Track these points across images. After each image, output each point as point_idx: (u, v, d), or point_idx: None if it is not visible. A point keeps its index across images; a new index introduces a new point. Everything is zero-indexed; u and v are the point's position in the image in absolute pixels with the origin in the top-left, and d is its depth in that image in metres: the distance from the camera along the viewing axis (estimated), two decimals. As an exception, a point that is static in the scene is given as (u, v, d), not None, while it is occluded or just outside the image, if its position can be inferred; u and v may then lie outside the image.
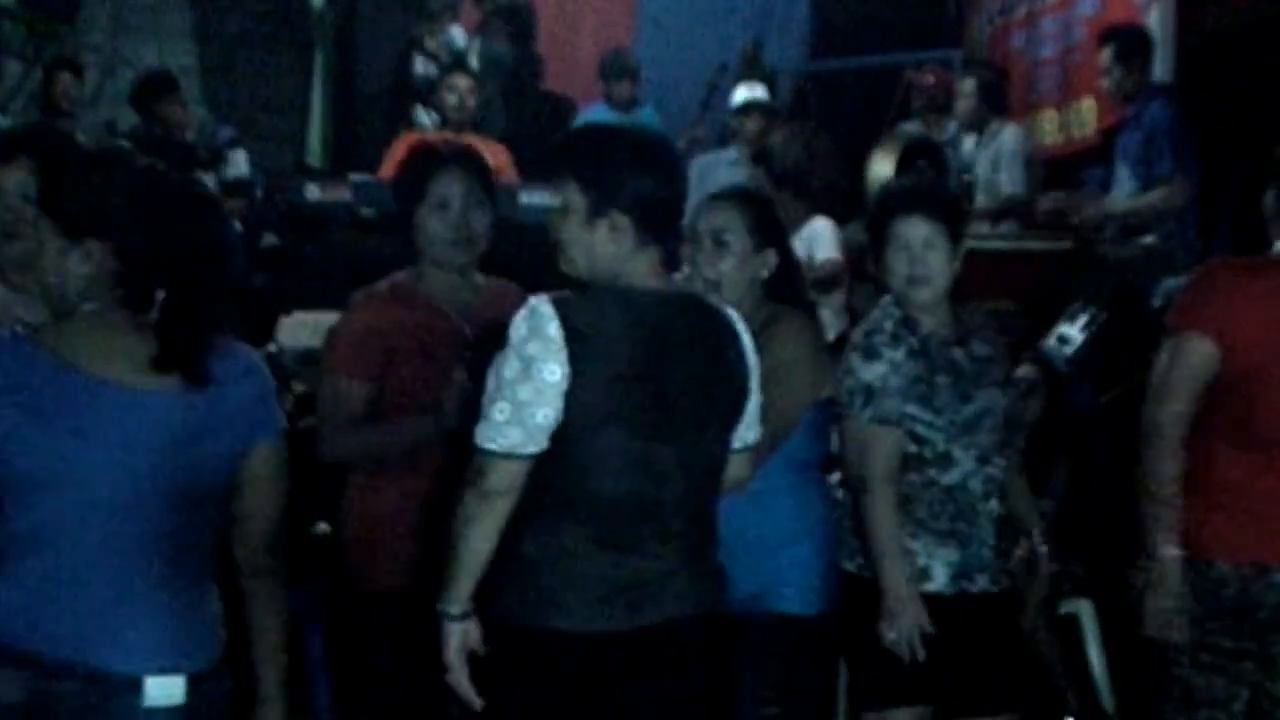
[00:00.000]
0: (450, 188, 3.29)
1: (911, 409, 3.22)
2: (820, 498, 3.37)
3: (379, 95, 8.48)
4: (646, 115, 7.83)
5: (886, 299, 3.34)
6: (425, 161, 3.38)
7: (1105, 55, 5.95)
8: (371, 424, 3.29)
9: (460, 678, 2.69)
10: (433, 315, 3.32)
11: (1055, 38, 7.40)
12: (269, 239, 6.91)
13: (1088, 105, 6.99)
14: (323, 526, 3.88)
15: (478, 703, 2.69)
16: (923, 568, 3.25)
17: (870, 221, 3.38)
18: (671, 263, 2.91)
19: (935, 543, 3.25)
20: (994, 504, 3.31)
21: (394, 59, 8.13)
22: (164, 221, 2.39)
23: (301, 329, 4.96)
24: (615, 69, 7.79)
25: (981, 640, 3.27)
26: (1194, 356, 3.12)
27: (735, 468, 2.85)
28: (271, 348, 4.41)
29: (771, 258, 3.27)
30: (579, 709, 2.64)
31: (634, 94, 7.81)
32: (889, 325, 3.27)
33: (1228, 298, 3.14)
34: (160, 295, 2.37)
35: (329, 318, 3.62)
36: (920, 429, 3.23)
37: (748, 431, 2.82)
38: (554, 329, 2.56)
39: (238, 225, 6.98)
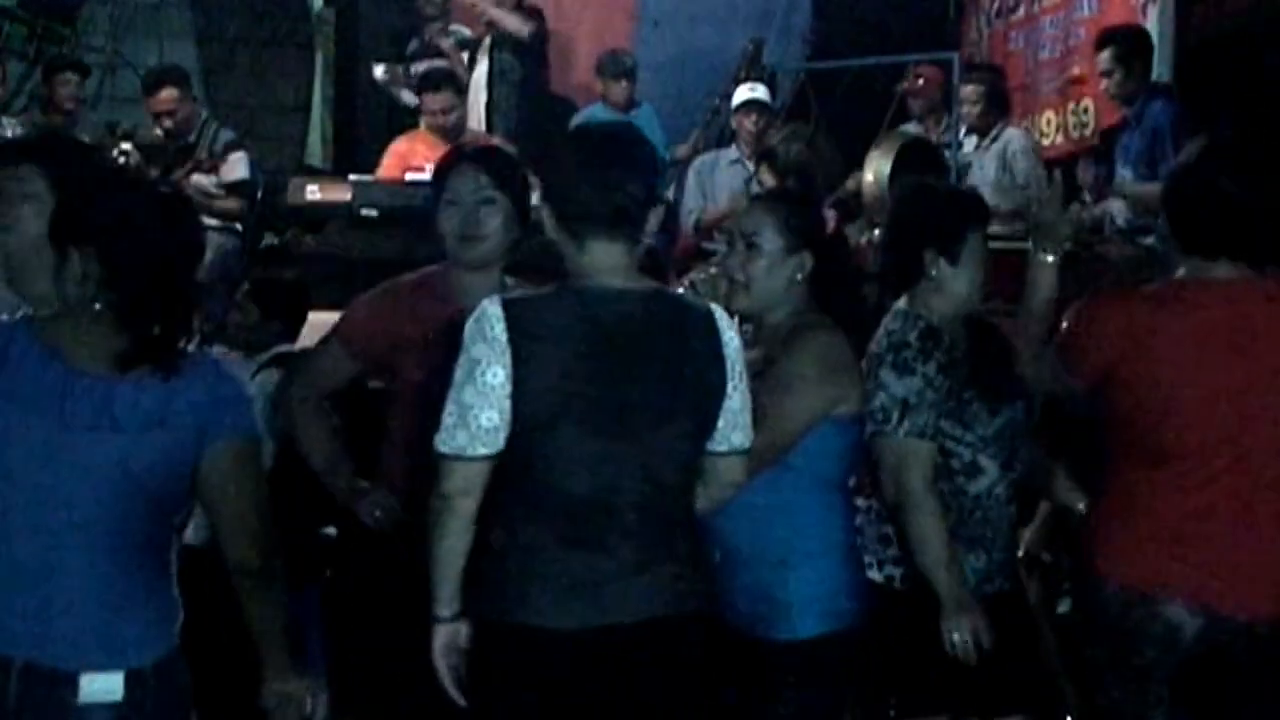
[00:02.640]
0: (460, 186, 3.32)
1: (943, 423, 3.21)
2: (833, 517, 3.18)
3: (379, 95, 8.48)
4: (644, 115, 7.82)
5: (901, 306, 3.32)
6: (445, 161, 3.46)
7: (1105, 57, 5.94)
8: (328, 433, 3.46)
9: (446, 678, 2.71)
10: (451, 312, 3.32)
11: (1054, 39, 7.41)
12: (269, 239, 6.91)
13: (1086, 106, 7.00)
14: (329, 530, 3.88)
15: (462, 701, 2.71)
16: None
17: (943, 229, 3.32)
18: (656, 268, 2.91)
19: (964, 550, 3.24)
20: (1013, 508, 3.33)
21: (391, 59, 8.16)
22: (140, 227, 2.46)
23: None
24: (612, 70, 7.82)
25: (999, 640, 3.25)
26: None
27: (724, 471, 2.83)
28: (283, 347, 4.42)
29: (807, 260, 3.17)
30: (547, 704, 2.65)
31: (631, 95, 7.82)
32: (914, 338, 3.23)
33: (1102, 336, 3.09)
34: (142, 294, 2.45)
35: (329, 317, 3.64)
36: (949, 444, 3.23)
37: (733, 433, 2.79)
38: (499, 330, 2.59)
39: (237, 226, 7.00)
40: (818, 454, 3.12)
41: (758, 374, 3.07)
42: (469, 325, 2.63)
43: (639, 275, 2.76)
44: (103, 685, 2.38)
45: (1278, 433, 2.99)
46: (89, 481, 2.40)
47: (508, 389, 2.58)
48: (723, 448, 2.79)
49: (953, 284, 3.29)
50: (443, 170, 3.40)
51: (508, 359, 2.58)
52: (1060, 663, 3.91)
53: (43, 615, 2.38)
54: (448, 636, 2.71)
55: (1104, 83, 6.01)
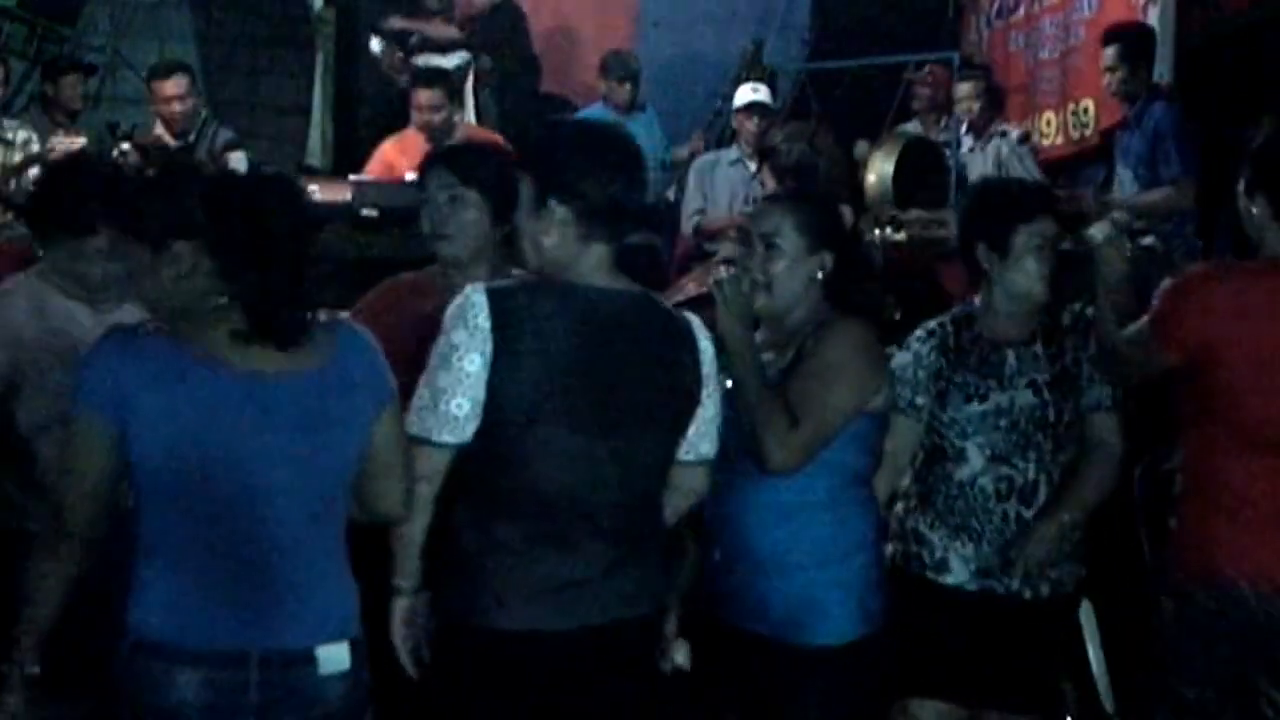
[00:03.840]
0: (431, 184, 3.36)
1: (928, 403, 3.31)
2: (865, 513, 3.15)
3: (379, 95, 8.48)
4: (647, 117, 7.81)
5: (977, 300, 3.40)
6: (423, 162, 3.51)
7: (1110, 54, 5.92)
8: None
9: (403, 652, 2.71)
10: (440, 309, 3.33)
11: (1054, 39, 7.40)
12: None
13: (1086, 106, 6.99)
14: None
15: (413, 672, 2.71)
16: (941, 559, 3.33)
17: (990, 223, 3.35)
18: (659, 269, 2.91)
19: (950, 536, 3.32)
20: (1014, 506, 3.29)
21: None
22: (251, 213, 2.42)
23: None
24: (617, 72, 7.75)
25: (1011, 642, 3.29)
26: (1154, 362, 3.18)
27: (689, 480, 2.82)
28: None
29: (827, 260, 3.13)
30: (522, 707, 2.63)
31: (634, 97, 7.78)
32: (934, 322, 3.38)
33: (1203, 309, 3.10)
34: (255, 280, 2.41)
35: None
36: (937, 424, 3.32)
37: (700, 442, 2.78)
38: (482, 318, 2.56)
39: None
40: (851, 448, 3.08)
41: (787, 369, 3.05)
42: (450, 310, 2.60)
43: (620, 276, 2.73)
44: (336, 656, 2.48)
45: None
46: (295, 473, 2.43)
47: (483, 378, 2.56)
48: (690, 456, 2.78)
49: (1008, 277, 3.34)
50: (421, 170, 3.46)
51: (489, 349, 2.55)
52: (1060, 663, 3.91)
53: (274, 605, 2.43)
54: (407, 609, 2.70)
55: (1107, 78, 5.99)
